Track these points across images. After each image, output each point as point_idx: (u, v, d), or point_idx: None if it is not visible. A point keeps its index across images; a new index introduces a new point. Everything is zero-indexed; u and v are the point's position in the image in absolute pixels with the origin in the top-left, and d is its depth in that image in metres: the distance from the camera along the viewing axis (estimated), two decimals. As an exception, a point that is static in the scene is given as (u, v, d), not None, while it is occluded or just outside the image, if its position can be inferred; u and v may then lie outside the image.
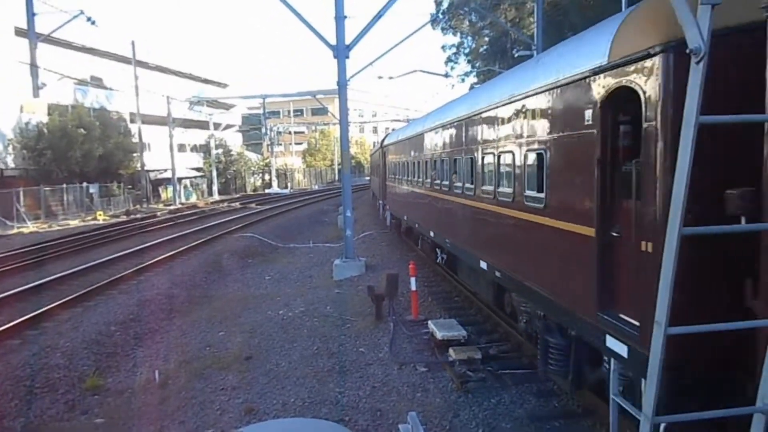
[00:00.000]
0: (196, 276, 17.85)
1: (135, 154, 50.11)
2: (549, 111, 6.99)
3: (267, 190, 69.40)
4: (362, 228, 26.15)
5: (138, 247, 22.70)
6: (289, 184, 79.09)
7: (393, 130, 37.55)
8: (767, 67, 3.85)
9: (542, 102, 7.17)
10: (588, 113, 5.95)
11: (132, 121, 50.28)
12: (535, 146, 7.39)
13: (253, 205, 45.75)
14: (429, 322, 10.66)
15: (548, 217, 7.04)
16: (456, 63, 47.74)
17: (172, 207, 47.36)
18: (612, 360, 5.58)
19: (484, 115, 9.79)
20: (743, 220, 4.22)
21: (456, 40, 47.05)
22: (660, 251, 3.80)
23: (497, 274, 9.17)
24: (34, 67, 22.29)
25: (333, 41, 16.33)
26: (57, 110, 44.42)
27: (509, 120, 8.43)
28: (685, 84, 3.90)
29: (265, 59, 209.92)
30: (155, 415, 8.33)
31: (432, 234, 14.57)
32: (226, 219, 33.91)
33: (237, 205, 46.90)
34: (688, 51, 2.87)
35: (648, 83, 4.93)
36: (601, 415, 6.98)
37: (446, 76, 44.74)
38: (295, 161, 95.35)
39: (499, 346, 9.76)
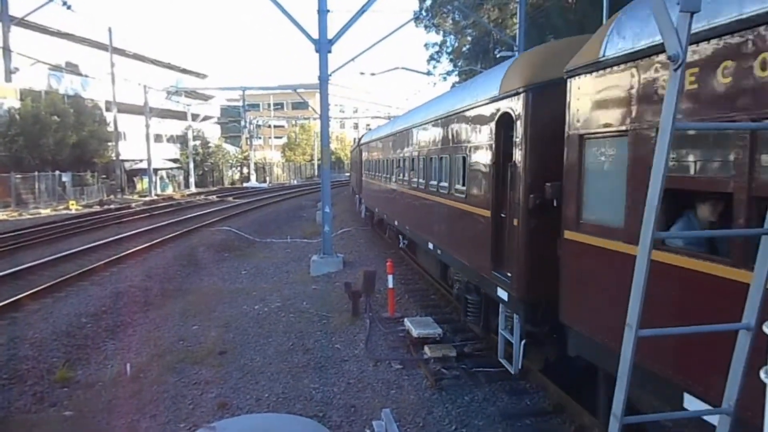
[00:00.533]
0: (170, 269, 17.66)
1: (110, 143, 49.36)
2: (467, 126, 9.58)
3: (245, 184, 68.89)
4: (341, 224, 26.13)
5: (112, 239, 22.38)
6: (267, 179, 78.59)
7: (370, 129, 42.52)
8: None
9: (463, 119, 9.84)
10: (490, 128, 8.34)
11: (107, 109, 49.50)
12: (460, 151, 9.90)
13: (230, 198, 45.40)
14: (405, 319, 10.71)
15: (467, 204, 9.51)
16: (438, 61, 47.89)
17: (147, 198, 46.78)
18: (500, 304, 8.14)
19: (425, 126, 12.79)
20: (555, 202, 6.54)
21: (439, 38, 47.23)
22: (523, 226, 7.18)
23: (439, 252, 11.51)
24: (6, 50, 21.77)
25: (315, 35, 16.26)
26: (30, 96, 43.50)
27: (444, 131, 11.07)
28: (539, 112, 7.06)
29: (245, 51, 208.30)
30: (126, 408, 8.23)
31: (396, 223, 17.09)
32: (203, 212, 33.61)
33: (214, 198, 46.52)
34: (667, 57, 2.91)
35: (517, 110, 7.41)
36: (571, 413, 7.11)
37: (428, 74, 44.93)
38: (274, 155, 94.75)
39: (473, 345, 9.84)
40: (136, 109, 51.96)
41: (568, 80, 6.20)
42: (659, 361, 4.64)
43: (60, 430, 7.75)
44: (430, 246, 12.07)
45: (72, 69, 50.68)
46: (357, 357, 9.64)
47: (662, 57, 4.66)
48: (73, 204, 38.95)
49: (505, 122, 7.84)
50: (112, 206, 39.02)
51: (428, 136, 12.49)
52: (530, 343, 7.69)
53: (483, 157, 8.63)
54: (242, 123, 66.43)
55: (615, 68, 5.35)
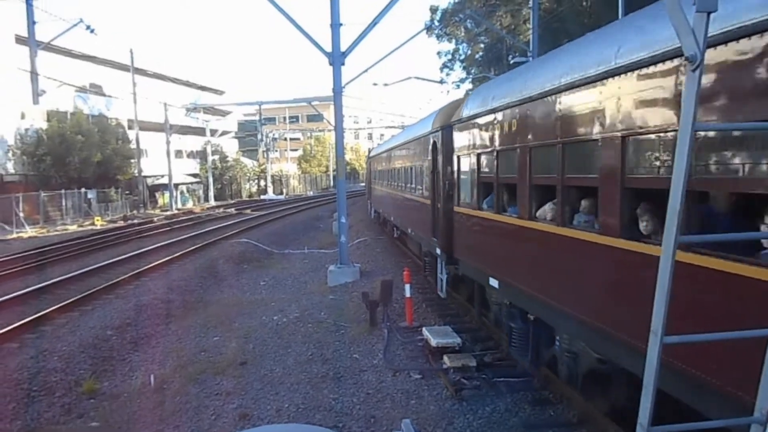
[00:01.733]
0: (191, 281, 17.84)
1: (132, 160, 50.21)
2: (419, 149, 15.21)
3: (262, 196, 69.34)
4: (357, 234, 26.16)
5: (135, 252, 22.68)
6: (284, 190, 79.04)
7: (381, 141, 49.17)
8: None
9: (416, 145, 15.80)
10: (428, 150, 13.58)
11: (130, 127, 50.39)
12: (417, 165, 15.55)
13: (248, 211, 45.70)
14: (423, 328, 10.66)
15: (421, 198, 14.75)
16: (451, 69, 47.93)
17: (168, 212, 47.30)
18: (438, 258, 12.60)
19: (399, 148, 19.80)
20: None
21: (451, 46, 47.27)
22: (442, 207, 12.21)
23: (412, 234, 16.84)
24: (34, 74, 22.30)
25: (329, 48, 16.41)
26: (56, 117, 44.58)
27: (408, 151, 17.50)
28: (446, 142, 11.97)
29: (261, 66, 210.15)
30: (150, 419, 8.32)
31: (392, 218, 22.27)
32: (222, 225, 33.89)
33: (232, 210, 46.88)
34: (684, 59, 2.89)
35: (437, 141, 12.56)
36: (597, 424, 6.99)
37: (441, 82, 44.89)
38: (290, 167, 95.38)
39: (494, 354, 9.76)
40: (157, 126, 52.75)
41: (451, 126, 11.67)
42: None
43: (86, 441, 7.85)
44: (410, 232, 17.32)
45: (96, 90, 51.73)
46: (375, 367, 9.63)
47: (479, 120, 9.63)
48: (98, 220, 39.61)
49: (434, 147, 13.08)
50: (135, 221, 39.53)
51: (401, 154, 19.33)
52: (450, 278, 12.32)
53: (427, 168, 13.93)
54: (259, 137, 66.92)
55: (466, 122, 10.40)
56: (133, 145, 49.52)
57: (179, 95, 59.26)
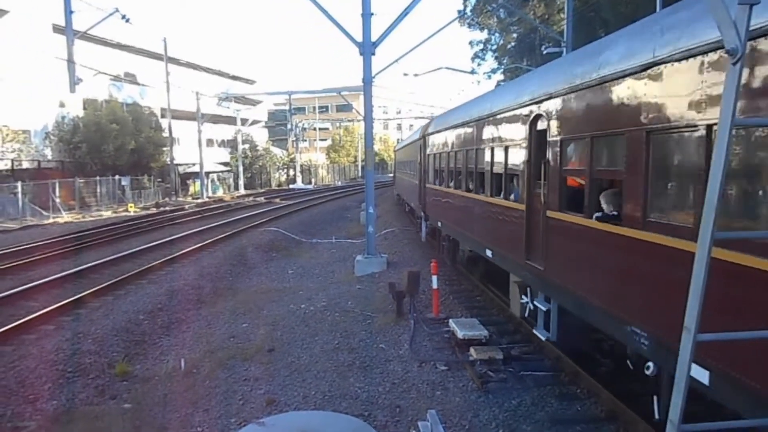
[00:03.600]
0: (221, 268, 18.10)
1: (165, 148, 50.95)
2: (415, 149, 23.13)
3: (291, 186, 69.85)
4: (384, 225, 26.20)
5: (167, 239, 23.09)
6: (312, 180, 79.47)
7: (399, 142, 58.08)
8: None
9: (413, 146, 24.43)
10: (419, 149, 21.11)
11: (163, 116, 51.13)
12: (414, 159, 23.40)
13: (277, 200, 46.10)
14: (450, 320, 10.66)
15: (416, 180, 22.46)
16: (483, 59, 47.51)
17: (199, 200, 48.02)
18: (421, 217, 20.90)
19: (406, 148, 31.10)
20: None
21: (483, 36, 46.79)
22: (422, 185, 20.61)
23: (409, 202, 27.56)
24: (71, 63, 22.75)
25: (359, 38, 16.38)
26: (92, 105, 45.51)
27: (411, 150, 25.87)
28: (427, 145, 19.10)
29: (291, 56, 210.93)
30: (181, 402, 8.50)
31: (400, 194, 34.48)
32: (252, 213, 34.26)
33: (262, 199, 47.33)
34: (724, 51, 2.83)
35: (421, 145, 20.29)
36: (624, 421, 6.93)
37: (472, 72, 44.61)
38: (319, 157, 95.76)
39: (521, 347, 9.72)
40: (189, 115, 53.43)
41: (425, 136, 19.01)
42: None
43: (120, 422, 8.05)
44: (408, 200, 27.32)
45: (130, 78, 52.61)
46: (401, 357, 9.65)
47: (436, 134, 17.64)
48: (131, 206, 40.41)
49: (421, 149, 20.21)
50: (167, 208, 40.20)
51: (407, 151, 28.66)
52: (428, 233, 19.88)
53: (417, 162, 21.42)
54: (288, 126, 67.34)
55: (432, 136, 17.80)
56: (165, 134, 50.22)
57: (211, 84, 59.90)
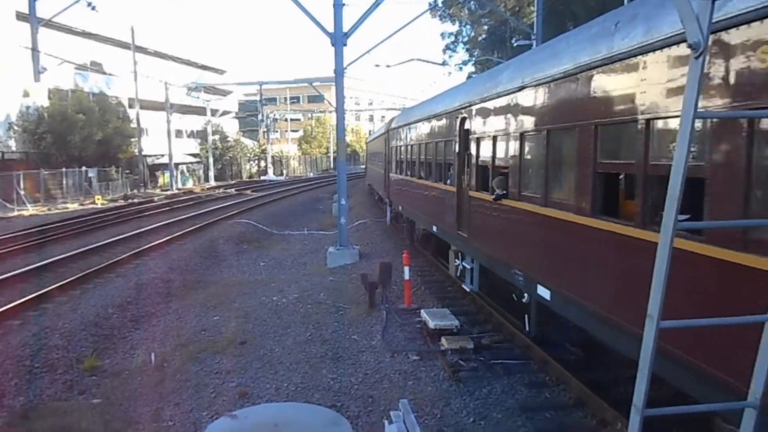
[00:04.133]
0: (192, 261, 17.92)
1: (133, 139, 50.05)
2: (381, 142, 25.91)
3: (262, 177, 69.25)
4: (357, 216, 26.22)
5: (135, 232, 22.74)
6: (284, 172, 78.90)
7: (369, 135, 62.21)
8: None
9: (380, 140, 26.96)
10: (384, 144, 24.21)
11: (131, 106, 50.15)
12: (381, 151, 26.20)
13: (248, 191, 45.70)
14: (422, 311, 10.76)
15: (382, 170, 25.73)
16: (454, 51, 47.61)
17: (168, 192, 47.31)
18: (387, 202, 24.17)
19: (374, 141, 35.36)
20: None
21: (455, 28, 46.86)
22: (386, 174, 23.69)
23: (377, 189, 29.81)
24: (35, 51, 22.14)
25: (331, 29, 16.30)
26: (57, 95, 44.42)
27: (378, 143, 28.94)
28: (391, 139, 22.44)
29: (262, 46, 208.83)
30: (151, 396, 8.42)
31: (370, 183, 36.35)
32: (222, 205, 33.93)
33: (233, 191, 46.88)
34: (687, 45, 2.89)
35: (387, 139, 23.43)
36: (592, 407, 7.08)
37: (444, 64, 44.70)
38: (290, 148, 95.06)
39: (491, 336, 9.84)
40: (157, 105, 52.51)
41: (389, 131, 22.65)
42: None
43: (89, 417, 7.94)
44: (376, 188, 30.14)
45: (96, 68, 51.35)
46: (374, 348, 9.71)
47: (398, 129, 20.62)
48: (98, 199, 39.60)
49: (386, 142, 23.42)
50: (135, 200, 39.54)
51: (375, 144, 31.75)
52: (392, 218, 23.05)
53: (383, 154, 24.50)
54: (259, 117, 66.61)
55: (393, 131, 21.26)
56: (133, 124, 49.33)
57: (180, 74, 58.91)
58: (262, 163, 75.80)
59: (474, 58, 45.05)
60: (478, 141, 10.09)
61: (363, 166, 62.89)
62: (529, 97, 7.79)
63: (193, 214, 29.17)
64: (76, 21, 44.06)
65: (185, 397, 8.32)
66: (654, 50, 5.01)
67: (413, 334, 10.30)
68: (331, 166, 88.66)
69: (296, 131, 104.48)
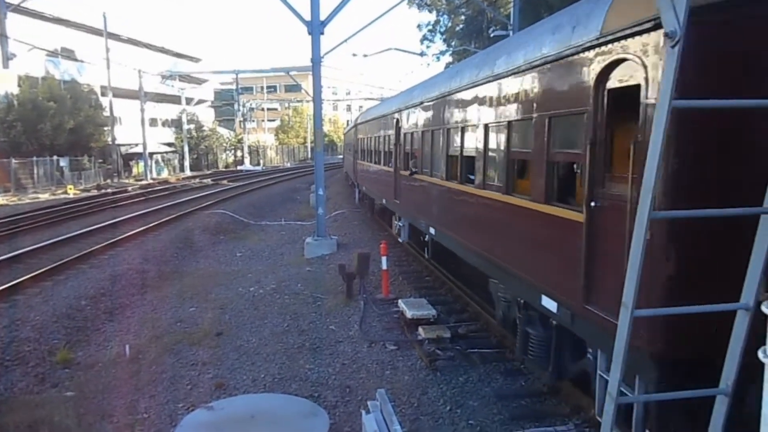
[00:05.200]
0: (167, 251, 17.70)
1: (106, 128, 49.16)
2: (353, 134, 29.22)
3: (239, 167, 68.56)
4: (334, 207, 26.14)
5: (109, 222, 22.39)
6: (261, 161, 78.27)
7: (345, 129, 59.00)
8: None
9: (353, 131, 30.20)
10: (353, 135, 29.82)
11: (103, 94, 49.21)
12: (352, 142, 29.59)
13: (224, 181, 45.26)
14: (399, 301, 10.79)
15: (351, 159, 30.38)
16: (432, 42, 47.60)
17: (143, 182, 46.61)
18: (355, 185, 28.68)
19: (348, 134, 38.14)
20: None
21: (432, 18, 46.82)
22: (355, 161, 27.58)
23: (349, 174, 32.35)
24: (3, 37, 21.57)
25: (308, 17, 16.13)
26: (27, 82, 43.35)
27: (350, 135, 32.93)
28: (354, 133, 29.31)
29: (239, 34, 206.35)
30: (126, 388, 8.32)
31: (345, 170, 38.42)
32: (198, 195, 33.56)
33: (209, 181, 46.39)
34: (664, 34, 2.90)
35: (356, 131, 27.80)
36: (566, 394, 7.18)
37: (421, 54, 44.45)
38: (267, 138, 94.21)
39: (468, 326, 9.93)
40: (131, 93, 51.59)
41: (357, 125, 27.58)
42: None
43: (62, 410, 7.82)
44: (348, 173, 32.92)
45: (68, 54, 50.22)
46: (351, 338, 9.73)
47: (361, 124, 25.97)
48: (71, 188, 38.82)
49: (355, 133, 27.80)
50: (109, 190, 38.88)
51: (349, 136, 33.46)
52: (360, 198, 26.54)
53: (354, 144, 28.67)
54: (236, 106, 65.96)
55: (359, 125, 26.42)
56: (106, 113, 48.43)
57: (154, 62, 57.97)
58: (239, 153, 75.07)
59: (451, 48, 45.04)
60: (404, 135, 14.53)
61: (341, 156, 62.78)
62: (424, 109, 12.33)
63: (168, 204, 28.80)
64: (46, 6, 43.05)
65: (161, 389, 8.23)
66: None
67: (391, 324, 10.33)
68: (309, 156, 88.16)
69: (273, 121, 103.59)
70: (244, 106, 70.90)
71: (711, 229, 4.28)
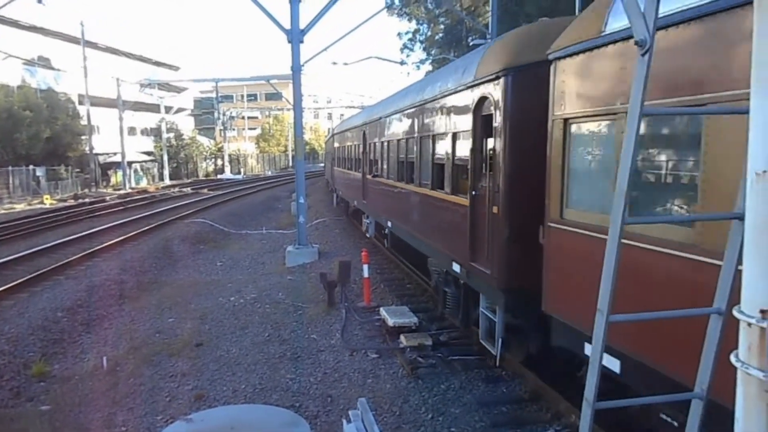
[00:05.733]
0: (146, 262, 17.51)
1: (83, 137, 48.61)
2: (331, 143, 34.83)
3: (219, 176, 68.13)
4: (316, 215, 26.06)
5: (87, 232, 22.08)
6: (242, 170, 77.85)
7: (327, 137, 60.12)
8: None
9: (331, 141, 35.94)
10: (332, 144, 33.73)
11: (81, 102, 48.66)
12: (331, 151, 34.28)
13: (205, 190, 44.93)
14: (381, 308, 10.77)
15: (329, 167, 35.32)
16: (411, 50, 47.71)
17: (121, 191, 46.10)
18: (334, 191, 30.92)
19: (329, 142, 40.26)
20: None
21: (412, 26, 46.99)
22: (333, 168, 31.88)
23: (328, 179, 36.61)
24: (-24, 44, 21.23)
25: (287, 25, 16.12)
26: (3, 90, 42.72)
27: (329, 143, 38.08)
28: (332, 142, 34.73)
29: (218, 42, 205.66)
30: (103, 401, 8.20)
31: (326, 176, 40.13)
32: (177, 204, 33.25)
33: (188, 190, 46.01)
34: (634, 42, 2.94)
35: (332, 141, 33.59)
36: (547, 400, 7.22)
37: (402, 63, 44.53)
38: (248, 147, 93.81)
39: (449, 333, 9.93)
40: (109, 102, 51.10)
41: (333, 135, 34.37)
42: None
43: (37, 425, 7.68)
44: (328, 178, 36.82)
45: (44, 63, 49.59)
46: (333, 347, 9.68)
47: (338, 134, 30.12)
48: (47, 198, 38.27)
49: (332, 142, 33.11)
50: (86, 200, 38.38)
51: (329, 144, 37.45)
52: (338, 202, 29.14)
53: (331, 153, 33.60)
54: (216, 115, 65.56)
55: (335, 136, 31.50)
56: (83, 122, 47.89)
57: (133, 70, 57.43)
58: (219, 162, 74.59)
59: (431, 57, 45.24)
60: (369, 145, 17.54)
61: (322, 165, 62.69)
62: (381, 124, 15.60)
63: (147, 213, 28.50)
64: (22, 14, 42.51)
65: (139, 401, 8.12)
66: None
67: (372, 332, 10.31)
68: (290, 164, 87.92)
69: (254, 129, 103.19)
70: (224, 114, 70.54)
71: (526, 211, 6.81)
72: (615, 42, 5.06)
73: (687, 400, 3.17)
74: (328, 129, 64.85)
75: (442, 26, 43.53)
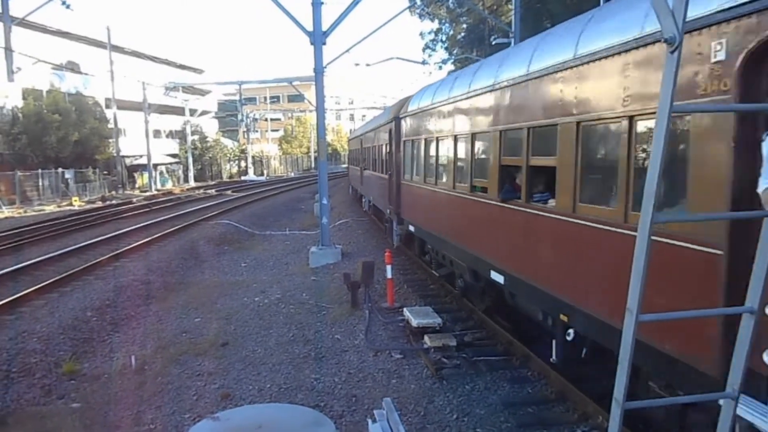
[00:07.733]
0: (172, 262, 17.73)
1: (110, 140, 49.41)
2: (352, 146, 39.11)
3: (243, 177, 68.78)
4: (339, 216, 26.16)
5: (114, 233, 22.43)
6: (265, 172, 78.47)
7: (350, 138, 57.61)
8: None
9: (352, 143, 40.18)
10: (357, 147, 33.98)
11: (107, 106, 49.48)
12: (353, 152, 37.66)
13: (229, 192, 45.36)
14: (404, 309, 10.75)
15: (351, 166, 38.96)
16: (433, 50, 47.66)
17: (147, 193, 46.74)
18: (352, 186, 36.73)
19: (350, 144, 47.07)
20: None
21: (434, 26, 46.91)
22: (356, 168, 32.43)
23: (351, 177, 37.90)
24: (8, 50, 21.73)
25: (310, 27, 16.22)
26: (32, 95, 43.64)
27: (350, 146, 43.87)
28: (353, 143, 38.78)
29: (241, 45, 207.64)
30: (132, 400, 8.32)
31: (348, 175, 43.58)
32: (202, 206, 33.63)
33: (213, 192, 46.49)
34: (663, 41, 2.91)
35: (353, 144, 38.88)
36: (573, 401, 7.15)
37: (423, 63, 44.52)
38: (271, 148, 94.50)
39: (473, 334, 9.90)
40: (135, 105, 51.91)
41: (350, 140, 46.30)
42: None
43: (68, 422, 7.83)
44: (349, 175, 40.74)
45: (72, 67, 50.55)
46: (357, 347, 9.70)
47: (354, 138, 38.31)
48: (76, 200, 39.03)
49: (354, 144, 36.59)
50: (113, 202, 39.04)
51: (351, 146, 40.30)
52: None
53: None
54: (239, 117, 66.17)
55: (352, 140, 40.53)
56: (110, 125, 48.72)
57: (158, 74, 58.28)
58: (243, 164, 75.26)
59: (453, 57, 45.13)
60: (365, 151, 23.44)
61: (344, 166, 62.88)
62: (375, 135, 21.21)
63: (172, 215, 28.88)
64: (51, 20, 43.39)
65: (166, 399, 8.23)
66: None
67: (396, 332, 10.31)
68: (312, 165, 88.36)
69: (276, 131, 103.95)
70: (247, 116, 71.21)
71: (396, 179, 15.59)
72: (415, 114, 13.49)
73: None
74: (350, 129, 65.16)
75: (464, 26, 43.41)
